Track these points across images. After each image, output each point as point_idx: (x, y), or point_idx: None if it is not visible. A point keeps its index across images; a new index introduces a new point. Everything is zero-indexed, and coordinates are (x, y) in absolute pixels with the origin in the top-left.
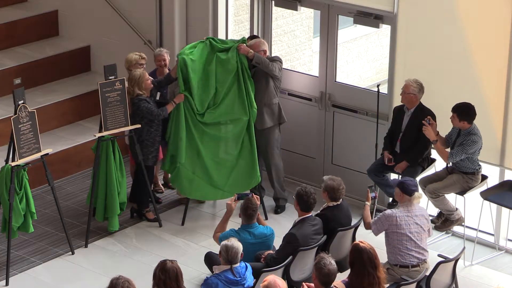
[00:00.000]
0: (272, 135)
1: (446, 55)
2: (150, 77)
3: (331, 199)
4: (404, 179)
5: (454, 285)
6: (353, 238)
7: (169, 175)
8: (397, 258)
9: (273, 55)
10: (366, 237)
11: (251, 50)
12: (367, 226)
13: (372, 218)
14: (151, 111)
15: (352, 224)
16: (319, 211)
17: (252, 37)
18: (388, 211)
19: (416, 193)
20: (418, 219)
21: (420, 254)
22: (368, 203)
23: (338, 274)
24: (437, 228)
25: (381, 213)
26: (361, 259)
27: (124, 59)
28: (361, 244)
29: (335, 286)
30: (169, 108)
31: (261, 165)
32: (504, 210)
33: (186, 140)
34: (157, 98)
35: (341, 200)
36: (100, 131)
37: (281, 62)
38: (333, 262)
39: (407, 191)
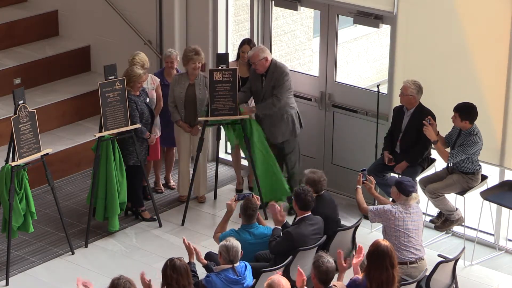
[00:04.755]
0: (286, 145)
1: (446, 55)
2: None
3: (313, 192)
4: (402, 179)
5: (454, 285)
6: (353, 238)
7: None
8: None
9: (273, 55)
10: (366, 237)
11: (253, 109)
12: (363, 211)
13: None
14: (135, 122)
15: (351, 224)
16: None
17: (248, 41)
18: (388, 207)
19: (413, 194)
20: (415, 216)
21: (418, 250)
22: (360, 187)
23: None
24: (437, 228)
25: (381, 206)
26: (382, 253)
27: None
28: (382, 241)
29: (334, 286)
30: (147, 135)
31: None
32: (504, 210)
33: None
34: (147, 101)
35: (323, 192)
36: (100, 131)
37: (287, 74)
38: (331, 260)
39: (405, 191)
